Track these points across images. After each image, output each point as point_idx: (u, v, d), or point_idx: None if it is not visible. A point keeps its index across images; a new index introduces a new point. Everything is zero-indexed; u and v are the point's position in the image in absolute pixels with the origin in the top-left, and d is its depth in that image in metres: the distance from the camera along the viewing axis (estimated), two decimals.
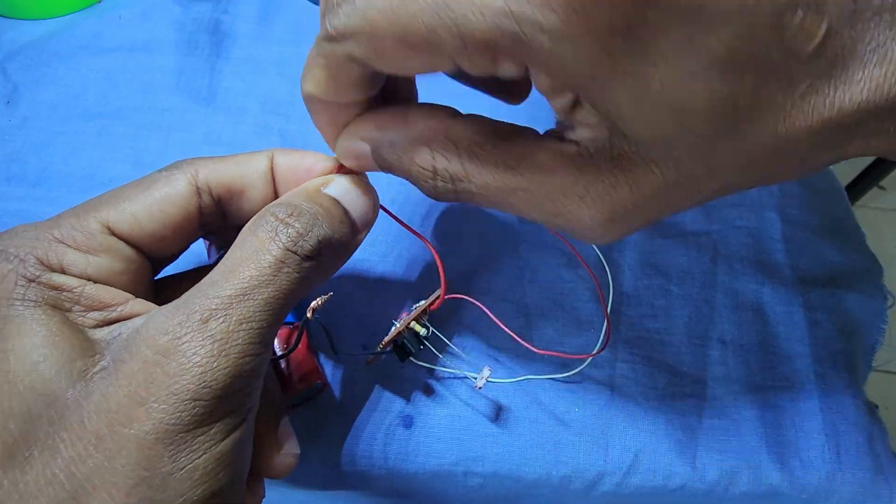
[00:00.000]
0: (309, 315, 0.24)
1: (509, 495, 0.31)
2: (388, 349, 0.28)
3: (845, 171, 1.20)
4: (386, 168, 0.23)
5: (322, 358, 0.31)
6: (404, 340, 0.28)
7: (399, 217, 0.27)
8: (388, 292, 0.33)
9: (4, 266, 0.20)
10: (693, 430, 0.31)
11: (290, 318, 0.29)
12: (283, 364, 0.28)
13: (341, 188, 0.23)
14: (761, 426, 0.31)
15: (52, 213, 0.33)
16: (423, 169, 0.21)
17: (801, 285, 0.35)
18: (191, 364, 0.18)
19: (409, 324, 0.27)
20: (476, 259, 0.34)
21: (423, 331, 0.27)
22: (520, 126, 0.21)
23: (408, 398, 0.30)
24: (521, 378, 0.31)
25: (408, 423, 0.30)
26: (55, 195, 0.34)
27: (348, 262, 0.33)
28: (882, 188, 1.24)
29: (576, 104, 0.19)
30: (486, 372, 0.28)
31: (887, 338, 0.35)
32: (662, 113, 0.17)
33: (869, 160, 1.14)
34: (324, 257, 0.21)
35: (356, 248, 0.24)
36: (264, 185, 0.24)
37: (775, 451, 0.31)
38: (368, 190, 0.24)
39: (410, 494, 0.31)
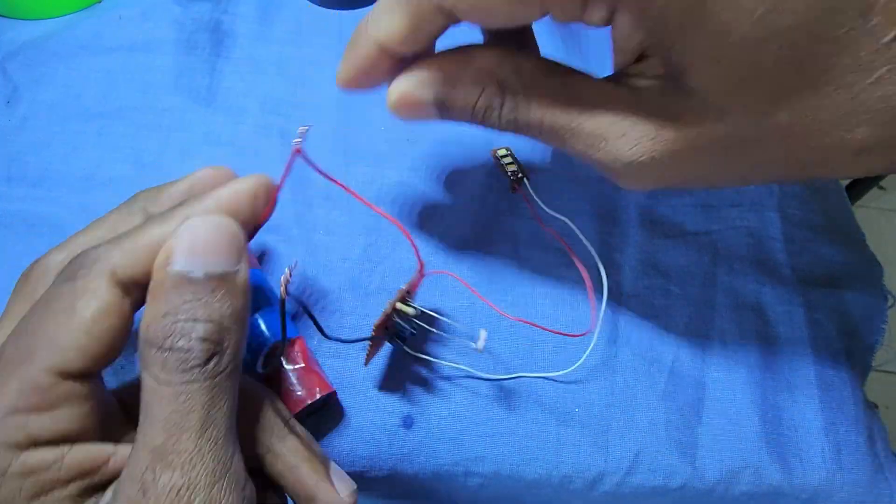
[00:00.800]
0: (282, 291, 0.22)
1: (510, 495, 0.31)
2: (380, 337, 0.28)
3: None
4: (446, 110, 0.23)
5: (322, 363, 0.31)
6: (396, 321, 0.27)
7: (399, 220, 0.27)
8: (379, 299, 0.33)
9: None
10: (693, 430, 0.31)
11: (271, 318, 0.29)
12: (292, 379, 0.27)
13: (186, 255, 0.19)
14: (761, 426, 0.31)
15: (52, 213, 0.34)
16: (489, 102, 0.22)
17: (801, 285, 0.35)
18: None
19: (395, 305, 0.27)
20: (475, 260, 0.34)
21: (411, 311, 0.27)
22: (574, 69, 0.22)
23: (408, 398, 0.30)
24: (519, 375, 0.31)
25: (408, 423, 0.30)
26: (55, 195, 0.34)
27: (339, 273, 0.33)
28: (882, 188, 1.24)
29: (643, 56, 0.19)
30: (483, 334, 0.27)
31: (887, 338, 0.35)
32: (734, 67, 0.17)
33: None
34: (225, 342, 0.19)
35: (249, 272, 0.21)
36: None
37: (775, 451, 0.31)
38: (220, 224, 0.20)
39: (411, 495, 0.31)
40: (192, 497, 0.17)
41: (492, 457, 0.30)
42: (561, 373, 0.31)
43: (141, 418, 0.18)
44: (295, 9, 0.42)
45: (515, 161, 0.36)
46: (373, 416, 0.30)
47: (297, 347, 0.28)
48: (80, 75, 0.38)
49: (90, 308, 0.19)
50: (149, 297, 0.20)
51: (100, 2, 0.41)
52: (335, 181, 0.25)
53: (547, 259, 0.34)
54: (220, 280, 0.19)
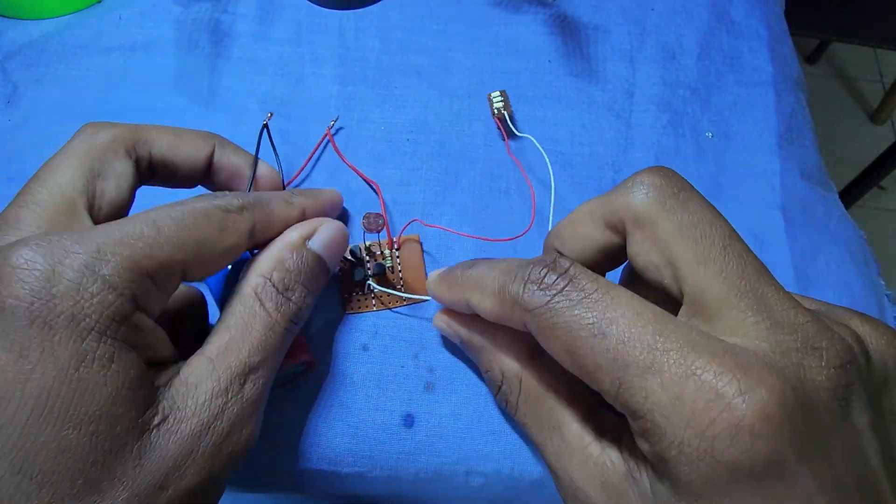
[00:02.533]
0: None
1: (512, 495, 0.31)
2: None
3: (845, 171, 1.20)
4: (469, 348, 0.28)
5: (316, 351, 0.31)
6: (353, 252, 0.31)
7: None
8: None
9: (107, 296, 0.19)
10: None
11: None
12: None
13: (325, 242, 0.26)
14: None
15: None
16: (494, 379, 0.26)
17: (802, 285, 0.35)
18: (241, 435, 0.22)
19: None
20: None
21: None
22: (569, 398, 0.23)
23: (409, 397, 0.30)
24: None
25: (409, 422, 0.30)
26: None
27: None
28: (882, 188, 1.24)
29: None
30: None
31: None
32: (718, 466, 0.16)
33: (868, 160, 1.14)
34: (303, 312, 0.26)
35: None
36: (199, 171, 0.28)
37: None
38: (345, 236, 0.28)
39: (412, 495, 0.31)
40: (258, 411, 0.23)
41: (494, 455, 0.30)
42: None
43: (227, 329, 0.23)
44: (295, 9, 0.42)
45: (505, 100, 0.38)
46: (374, 416, 0.30)
47: None
48: (80, 75, 0.38)
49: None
50: (282, 247, 0.25)
51: (100, 2, 0.41)
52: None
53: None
54: (327, 273, 0.27)
